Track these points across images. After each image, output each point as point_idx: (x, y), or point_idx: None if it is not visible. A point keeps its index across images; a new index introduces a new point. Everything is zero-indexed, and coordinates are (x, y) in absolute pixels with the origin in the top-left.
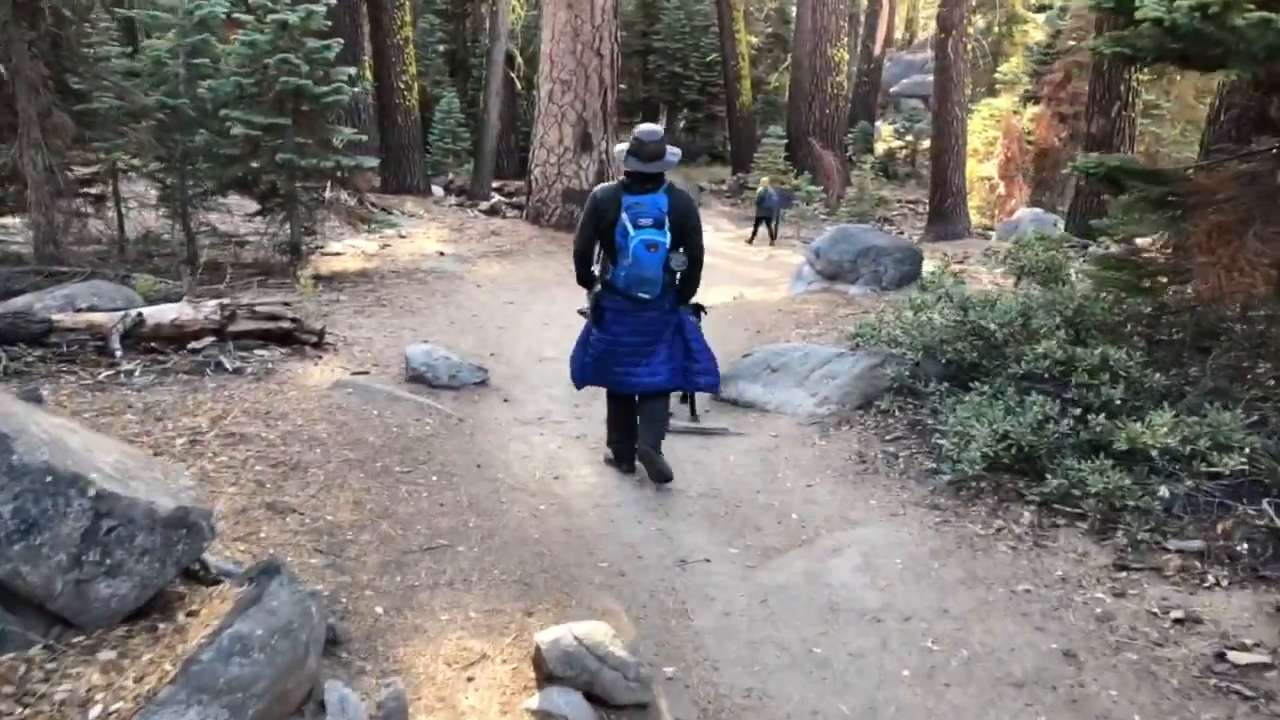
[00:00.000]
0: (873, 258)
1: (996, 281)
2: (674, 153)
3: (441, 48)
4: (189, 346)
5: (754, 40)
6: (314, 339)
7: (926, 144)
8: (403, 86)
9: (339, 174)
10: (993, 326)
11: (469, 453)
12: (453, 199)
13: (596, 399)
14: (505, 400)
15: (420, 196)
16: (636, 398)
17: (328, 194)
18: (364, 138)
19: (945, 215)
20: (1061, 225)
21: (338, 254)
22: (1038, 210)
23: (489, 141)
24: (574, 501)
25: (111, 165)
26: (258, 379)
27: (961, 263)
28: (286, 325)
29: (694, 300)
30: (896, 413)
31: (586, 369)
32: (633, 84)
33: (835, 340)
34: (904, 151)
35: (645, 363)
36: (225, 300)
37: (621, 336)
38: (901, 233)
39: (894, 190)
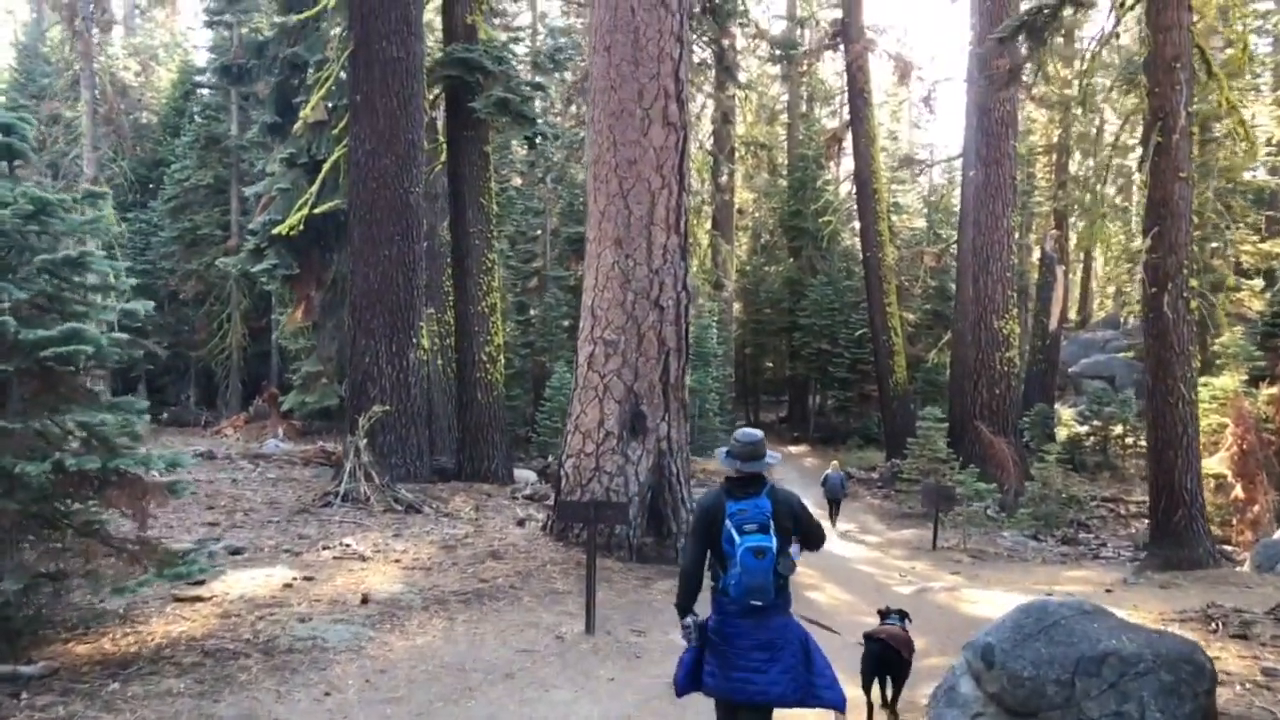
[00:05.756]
0: (1110, 678)
1: None
2: (774, 456)
3: (566, 322)
4: None
5: (910, 316)
6: None
7: (1119, 430)
8: (485, 359)
9: (96, 482)
10: None
11: None
12: (529, 488)
13: None
14: None
15: (496, 484)
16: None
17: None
18: (136, 420)
19: (1176, 534)
20: None
21: (198, 597)
22: None
23: None
24: None
25: None
26: None
27: (1244, 637)
28: None
29: (899, 608)
30: None
31: (690, 670)
32: (778, 361)
33: None
34: (1092, 438)
35: (765, 669)
36: None
37: (737, 643)
38: (1104, 545)
39: (1084, 485)
